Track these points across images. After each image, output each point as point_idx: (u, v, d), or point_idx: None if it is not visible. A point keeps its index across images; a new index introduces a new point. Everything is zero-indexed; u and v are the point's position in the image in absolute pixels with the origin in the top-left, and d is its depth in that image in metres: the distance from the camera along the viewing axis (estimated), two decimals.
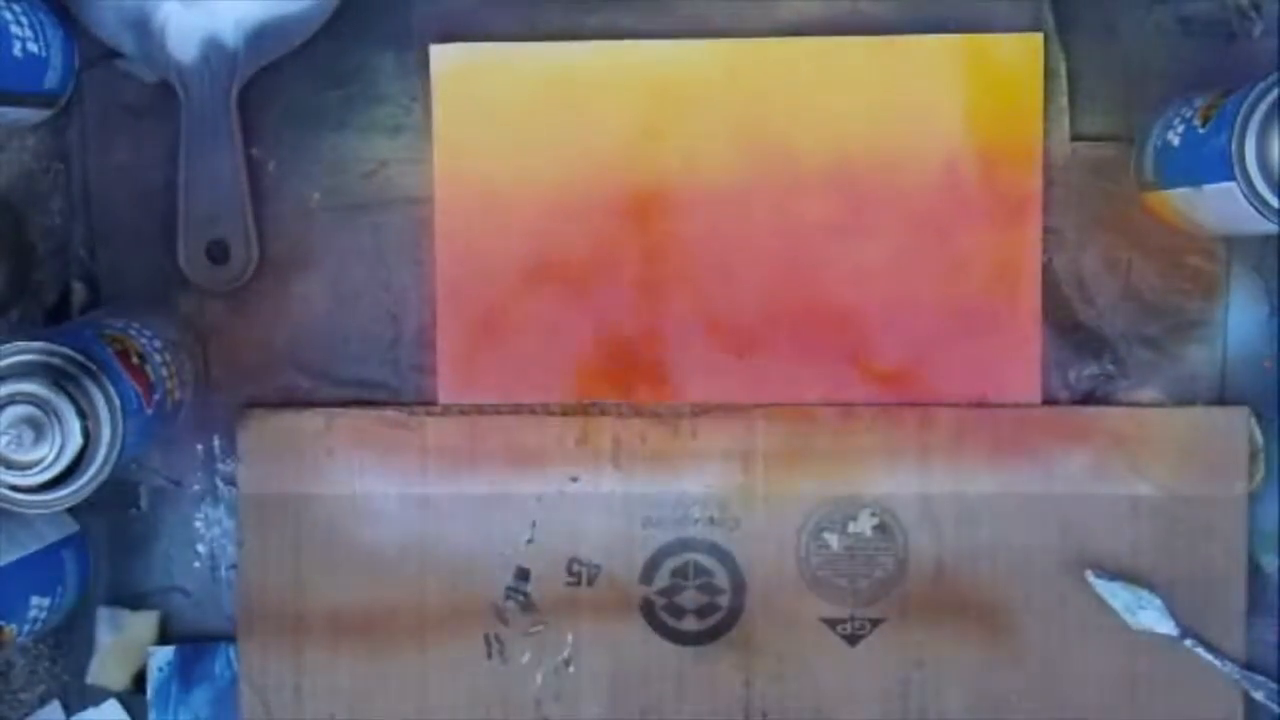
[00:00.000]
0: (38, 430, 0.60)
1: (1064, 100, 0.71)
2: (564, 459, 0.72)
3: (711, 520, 0.72)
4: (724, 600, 0.72)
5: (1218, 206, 0.63)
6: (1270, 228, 0.61)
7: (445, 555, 0.72)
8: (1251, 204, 0.60)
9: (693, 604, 0.72)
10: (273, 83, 0.72)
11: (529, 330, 0.72)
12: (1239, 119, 0.60)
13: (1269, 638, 0.71)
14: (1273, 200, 0.60)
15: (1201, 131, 0.63)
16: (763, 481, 0.72)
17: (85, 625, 0.74)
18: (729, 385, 0.72)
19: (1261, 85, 0.60)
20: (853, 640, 0.72)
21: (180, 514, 0.74)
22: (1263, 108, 0.60)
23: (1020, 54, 0.71)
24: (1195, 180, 0.64)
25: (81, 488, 0.61)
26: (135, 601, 0.74)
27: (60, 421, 0.60)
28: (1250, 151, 0.60)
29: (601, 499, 0.72)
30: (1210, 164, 0.62)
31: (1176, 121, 0.66)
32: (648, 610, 0.72)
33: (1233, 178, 0.60)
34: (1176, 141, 0.65)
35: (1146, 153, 0.69)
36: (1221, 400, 0.71)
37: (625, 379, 0.72)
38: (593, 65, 0.72)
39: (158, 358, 0.67)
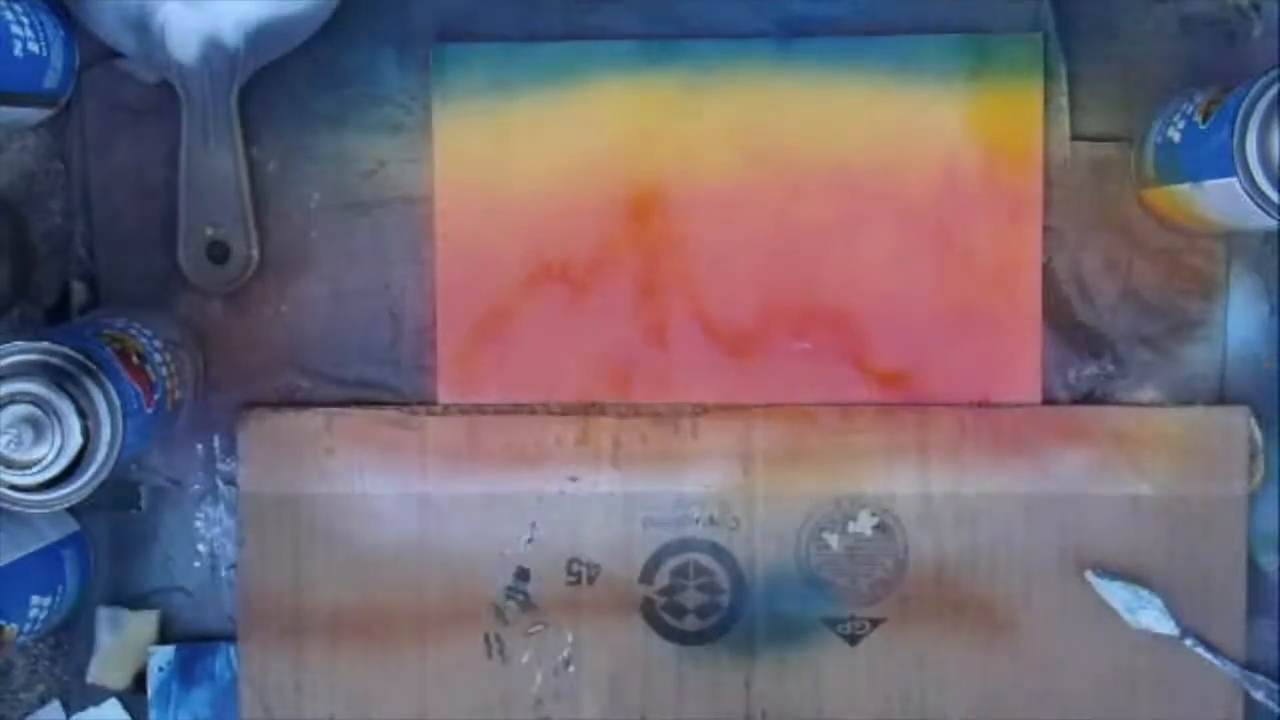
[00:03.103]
0: (38, 430, 0.60)
1: (1064, 100, 0.71)
2: (564, 459, 0.72)
3: (711, 520, 0.72)
4: (724, 600, 0.72)
5: (1218, 202, 0.63)
6: (1270, 223, 0.61)
7: (445, 555, 0.72)
8: (1252, 199, 0.60)
9: (693, 604, 0.72)
10: (273, 83, 0.72)
11: (529, 330, 0.72)
12: (1240, 114, 0.60)
13: (1269, 638, 0.71)
14: (1273, 195, 0.60)
15: (1203, 127, 0.63)
16: (763, 481, 0.71)
17: (85, 625, 0.74)
18: (729, 385, 0.72)
19: (1263, 80, 0.60)
20: (853, 640, 0.72)
21: (180, 514, 0.74)
22: (1264, 103, 0.60)
23: (1020, 54, 0.71)
24: (1196, 176, 0.64)
25: (81, 488, 0.61)
26: (135, 601, 0.74)
27: (60, 421, 0.60)
28: (1252, 147, 0.60)
29: (601, 499, 0.72)
30: (1211, 159, 0.62)
31: (1177, 118, 0.66)
32: (648, 610, 0.72)
33: (1234, 173, 0.60)
34: (1177, 138, 0.65)
35: (1147, 149, 0.69)
36: (1221, 400, 0.71)
37: (625, 379, 0.72)
38: (592, 66, 0.72)
39: (158, 358, 0.67)
